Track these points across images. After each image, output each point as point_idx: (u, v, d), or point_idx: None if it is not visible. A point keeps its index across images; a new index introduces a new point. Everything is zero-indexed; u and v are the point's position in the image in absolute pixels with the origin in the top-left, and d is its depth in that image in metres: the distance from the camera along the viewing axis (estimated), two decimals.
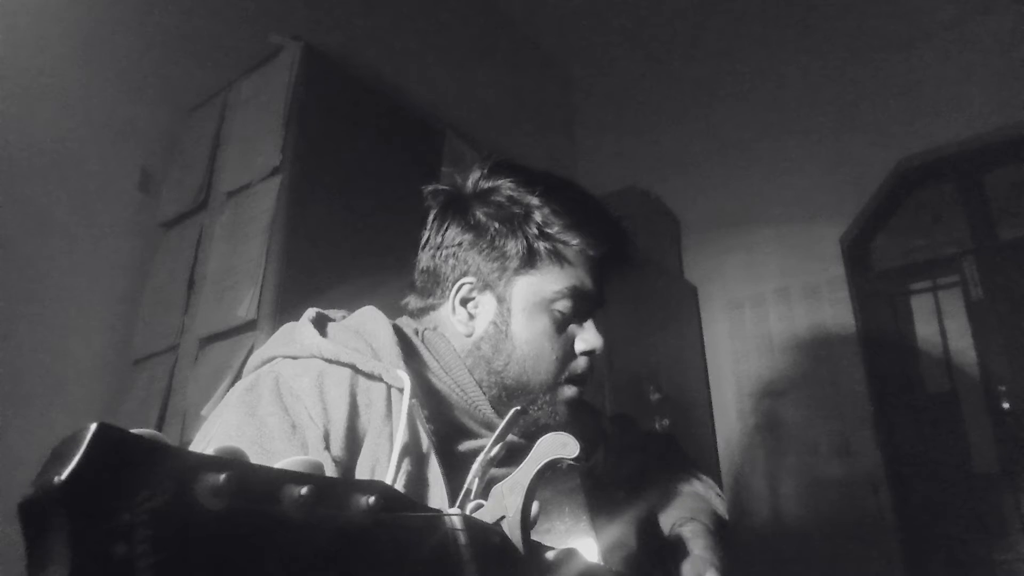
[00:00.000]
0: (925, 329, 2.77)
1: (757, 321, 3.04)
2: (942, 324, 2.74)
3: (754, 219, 3.11)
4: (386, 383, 0.75)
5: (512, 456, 0.59)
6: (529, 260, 0.84)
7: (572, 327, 0.86)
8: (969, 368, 2.64)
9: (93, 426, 0.21)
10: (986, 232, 2.71)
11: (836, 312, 2.85)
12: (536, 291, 0.84)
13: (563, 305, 0.84)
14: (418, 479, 0.70)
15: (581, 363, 0.87)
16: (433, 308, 0.90)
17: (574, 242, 0.84)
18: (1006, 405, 2.51)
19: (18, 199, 1.55)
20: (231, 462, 0.25)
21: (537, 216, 0.84)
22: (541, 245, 0.84)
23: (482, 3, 3.27)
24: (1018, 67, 2.61)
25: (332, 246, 1.63)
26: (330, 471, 0.66)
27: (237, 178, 1.69)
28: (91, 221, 1.71)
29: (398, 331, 0.83)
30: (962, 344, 2.67)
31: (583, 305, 0.86)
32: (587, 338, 0.86)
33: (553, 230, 0.84)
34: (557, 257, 0.84)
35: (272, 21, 1.97)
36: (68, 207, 1.66)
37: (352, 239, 1.68)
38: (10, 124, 1.54)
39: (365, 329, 0.82)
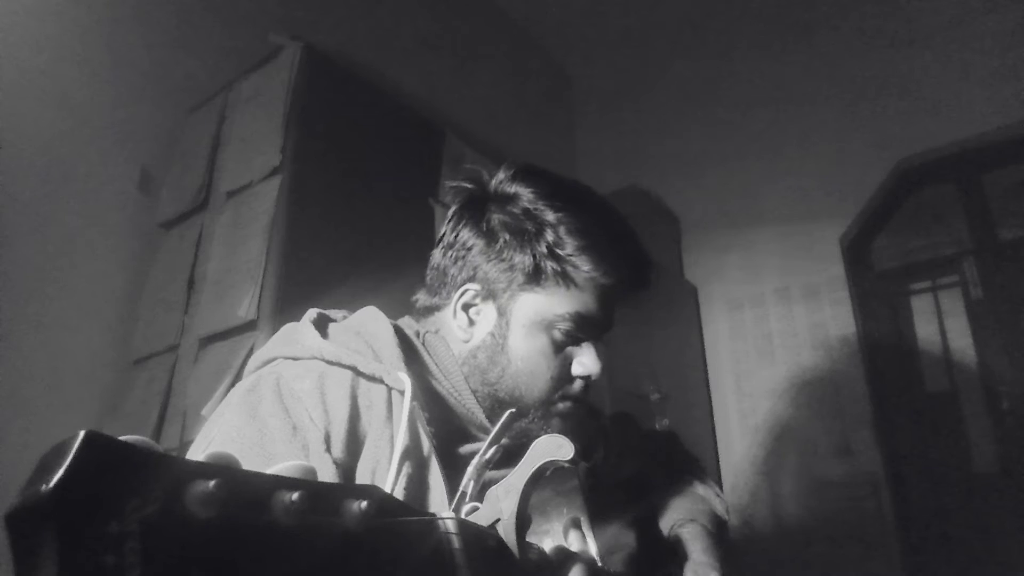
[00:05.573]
0: (925, 329, 2.77)
1: (757, 321, 3.04)
2: (942, 324, 2.73)
3: (754, 219, 3.10)
4: (387, 385, 0.75)
5: (509, 458, 0.59)
6: (535, 278, 0.81)
7: (571, 348, 0.83)
8: (969, 368, 2.63)
9: (81, 434, 0.21)
10: (986, 232, 2.70)
11: (836, 312, 2.84)
12: (538, 311, 0.81)
13: (564, 328, 0.81)
14: (419, 482, 0.70)
15: (576, 385, 0.84)
16: (437, 308, 0.89)
17: (585, 267, 0.80)
18: (1006, 405, 2.51)
19: (18, 199, 1.55)
20: (221, 469, 0.25)
21: (549, 235, 0.81)
22: (549, 265, 0.80)
23: (482, 3, 3.26)
24: (1018, 67, 2.61)
25: (332, 246, 1.63)
26: (331, 473, 0.66)
27: (237, 178, 1.69)
28: (91, 221, 1.71)
29: (399, 332, 0.83)
30: (962, 344, 2.67)
31: (585, 330, 0.83)
32: (584, 363, 0.83)
33: (564, 251, 0.80)
34: (564, 279, 0.81)
35: (272, 21, 1.97)
36: (68, 207, 1.66)
37: (352, 239, 1.68)
38: (10, 124, 1.54)
39: (366, 330, 0.81)
